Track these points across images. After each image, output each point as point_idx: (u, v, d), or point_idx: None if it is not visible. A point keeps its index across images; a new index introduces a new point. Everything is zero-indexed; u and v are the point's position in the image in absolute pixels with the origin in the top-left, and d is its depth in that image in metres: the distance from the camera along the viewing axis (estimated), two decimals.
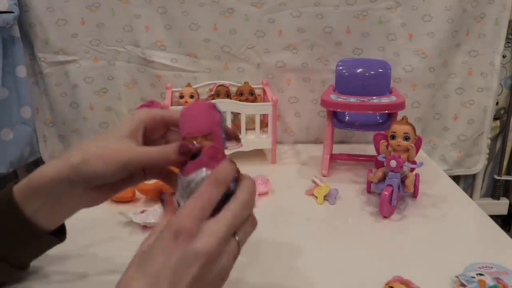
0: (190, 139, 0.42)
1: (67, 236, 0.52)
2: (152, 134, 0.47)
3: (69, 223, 0.51)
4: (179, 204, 0.41)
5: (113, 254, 0.60)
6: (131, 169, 0.44)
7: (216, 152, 0.41)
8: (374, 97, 0.83)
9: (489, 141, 1.09)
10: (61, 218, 0.49)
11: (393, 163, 0.71)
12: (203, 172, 0.39)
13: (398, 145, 0.72)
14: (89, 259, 0.59)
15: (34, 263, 0.53)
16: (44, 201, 0.45)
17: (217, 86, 0.97)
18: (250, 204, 0.39)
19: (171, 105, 0.90)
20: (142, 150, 0.43)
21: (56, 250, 0.51)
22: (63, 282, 0.55)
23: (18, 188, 0.45)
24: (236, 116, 0.93)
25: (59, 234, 0.50)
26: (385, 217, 0.71)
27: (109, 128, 1.03)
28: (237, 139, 0.48)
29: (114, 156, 0.42)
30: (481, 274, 0.54)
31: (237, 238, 0.38)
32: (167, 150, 0.42)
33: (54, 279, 0.55)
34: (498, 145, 1.16)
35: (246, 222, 0.39)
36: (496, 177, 1.17)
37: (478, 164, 1.11)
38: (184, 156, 0.41)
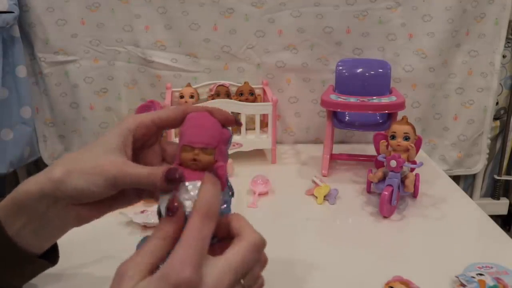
0: (189, 147, 0.37)
1: (66, 236, 0.51)
2: (146, 140, 0.43)
3: None
4: (160, 214, 0.37)
5: (113, 254, 0.60)
6: (119, 187, 0.39)
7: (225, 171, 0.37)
8: (374, 97, 0.83)
9: (489, 141, 1.09)
10: (48, 239, 0.44)
11: (393, 163, 0.71)
12: (198, 183, 0.36)
13: (398, 145, 0.72)
14: (89, 260, 0.59)
15: None
16: (28, 219, 0.40)
17: (217, 86, 0.97)
18: (261, 244, 0.35)
19: (171, 105, 0.90)
20: (131, 170, 0.38)
21: None
22: (62, 283, 0.55)
23: (1, 206, 0.40)
24: (236, 116, 0.93)
25: (51, 255, 0.46)
26: (385, 217, 0.71)
27: (109, 128, 1.03)
28: (238, 123, 0.44)
29: (99, 173, 0.38)
30: (481, 274, 0.54)
31: (242, 282, 0.33)
32: (154, 174, 0.36)
33: (52, 279, 0.55)
34: (498, 145, 1.16)
35: (255, 265, 0.35)
36: (496, 177, 1.17)
37: (478, 164, 1.11)
38: (171, 184, 0.35)
